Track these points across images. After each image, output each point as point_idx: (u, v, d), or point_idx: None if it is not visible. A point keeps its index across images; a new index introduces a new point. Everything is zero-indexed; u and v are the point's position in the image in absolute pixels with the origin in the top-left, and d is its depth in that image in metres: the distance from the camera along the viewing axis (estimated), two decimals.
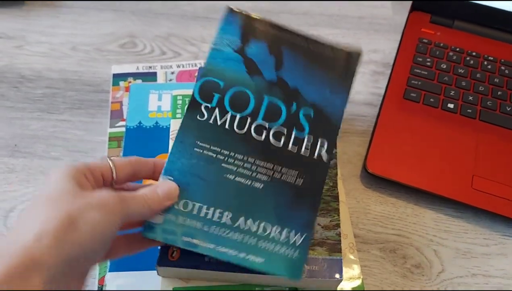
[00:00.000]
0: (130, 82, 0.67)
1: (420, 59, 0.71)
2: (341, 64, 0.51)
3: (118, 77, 0.68)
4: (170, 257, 0.47)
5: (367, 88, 0.71)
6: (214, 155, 0.46)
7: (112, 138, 0.62)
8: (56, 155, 0.62)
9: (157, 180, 0.45)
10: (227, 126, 0.48)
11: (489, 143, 0.62)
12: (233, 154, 0.47)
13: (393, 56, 0.72)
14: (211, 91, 0.49)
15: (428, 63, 0.70)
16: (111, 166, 0.42)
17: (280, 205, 0.46)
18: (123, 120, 0.63)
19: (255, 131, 0.48)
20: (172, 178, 0.45)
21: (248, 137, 0.48)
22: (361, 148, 0.64)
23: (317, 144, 0.48)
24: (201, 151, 0.46)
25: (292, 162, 0.47)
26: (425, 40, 0.73)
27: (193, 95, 0.49)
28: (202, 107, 0.48)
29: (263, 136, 0.48)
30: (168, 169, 0.46)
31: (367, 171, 0.60)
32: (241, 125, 0.48)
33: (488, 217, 0.59)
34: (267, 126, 0.48)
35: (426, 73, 0.69)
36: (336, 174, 0.56)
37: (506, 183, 0.59)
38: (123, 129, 0.62)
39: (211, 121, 0.48)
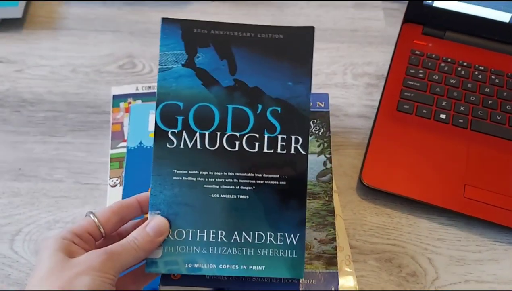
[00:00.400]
0: (130, 103, 0.69)
1: (413, 71, 0.72)
2: (295, 46, 0.48)
3: (118, 98, 0.70)
4: (172, 276, 0.49)
5: (361, 101, 0.73)
6: (194, 179, 0.46)
7: (114, 159, 0.64)
8: (59, 177, 0.63)
9: (147, 213, 0.47)
10: (198, 146, 0.47)
11: (480, 153, 0.64)
12: (212, 172, 0.47)
13: (387, 68, 0.74)
14: (173, 115, 0.47)
15: (421, 75, 0.72)
16: (96, 222, 0.44)
17: (269, 211, 0.47)
18: (124, 141, 0.65)
19: (227, 144, 0.47)
20: (159, 212, 0.46)
21: (222, 151, 0.47)
22: (357, 160, 0.66)
23: (291, 140, 0.47)
24: (181, 178, 0.46)
25: (271, 164, 0.47)
26: (417, 52, 0.75)
27: (156, 124, 0.47)
28: (169, 134, 0.47)
29: (237, 147, 0.47)
30: (154, 204, 0.46)
31: (362, 183, 0.61)
32: (212, 141, 0.47)
33: (480, 224, 0.60)
34: (238, 136, 0.47)
35: (418, 84, 0.70)
36: (332, 189, 0.58)
37: (497, 191, 0.60)
38: (125, 150, 0.63)
39: (181, 146, 0.47)
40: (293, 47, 0.48)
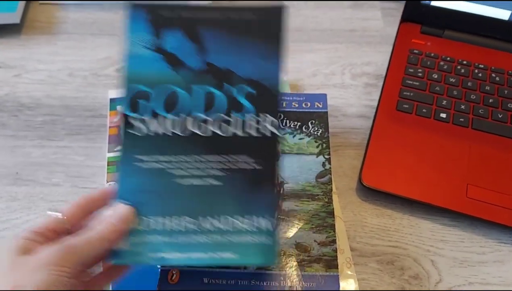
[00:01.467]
0: None
1: (412, 70, 0.72)
2: (266, 26, 0.47)
3: (115, 102, 0.69)
4: (170, 280, 0.48)
5: (360, 100, 0.72)
6: (162, 165, 0.45)
7: (111, 163, 0.63)
8: (57, 181, 0.63)
9: None
10: (167, 132, 0.45)
11: (482, 152, 0.63)
12: (182, 158, 0.45)
13: (385, 68, 0.73)
14: (141, 101, 0.46)
15: (420, 74, 0.71)
16: (59, 217, 0.43)
17: (240, 195, 0.44)
18: None
19: (197, 128, 0.45)
20: (125, 201, 0.44)
21: (191, 136, 0.45)
22: (356, 160, 0.65)
23: (263, 121, 0.45)
24: (148, 166, 0.45)
25: (242, 147, 0.45)
26: (416, 51, 0.74)
27: (123, 110, 0.46)
28: (136, 121, 0.45)
29: (208, 131, 0.45)
30: (120, 193, 0.45)
31: (362, 184, 0.61)
32: (181, 126, 0.45)
33: (483, 225, 0.59)
34: (209, 119, 0.45)
35: (417, 84, 0.70)
36: (331, 190, 0.57)
37: (500, 190, 0.60)
38: None
39: (150, 132, 0.45)
40: (264, 26, 0.47)
